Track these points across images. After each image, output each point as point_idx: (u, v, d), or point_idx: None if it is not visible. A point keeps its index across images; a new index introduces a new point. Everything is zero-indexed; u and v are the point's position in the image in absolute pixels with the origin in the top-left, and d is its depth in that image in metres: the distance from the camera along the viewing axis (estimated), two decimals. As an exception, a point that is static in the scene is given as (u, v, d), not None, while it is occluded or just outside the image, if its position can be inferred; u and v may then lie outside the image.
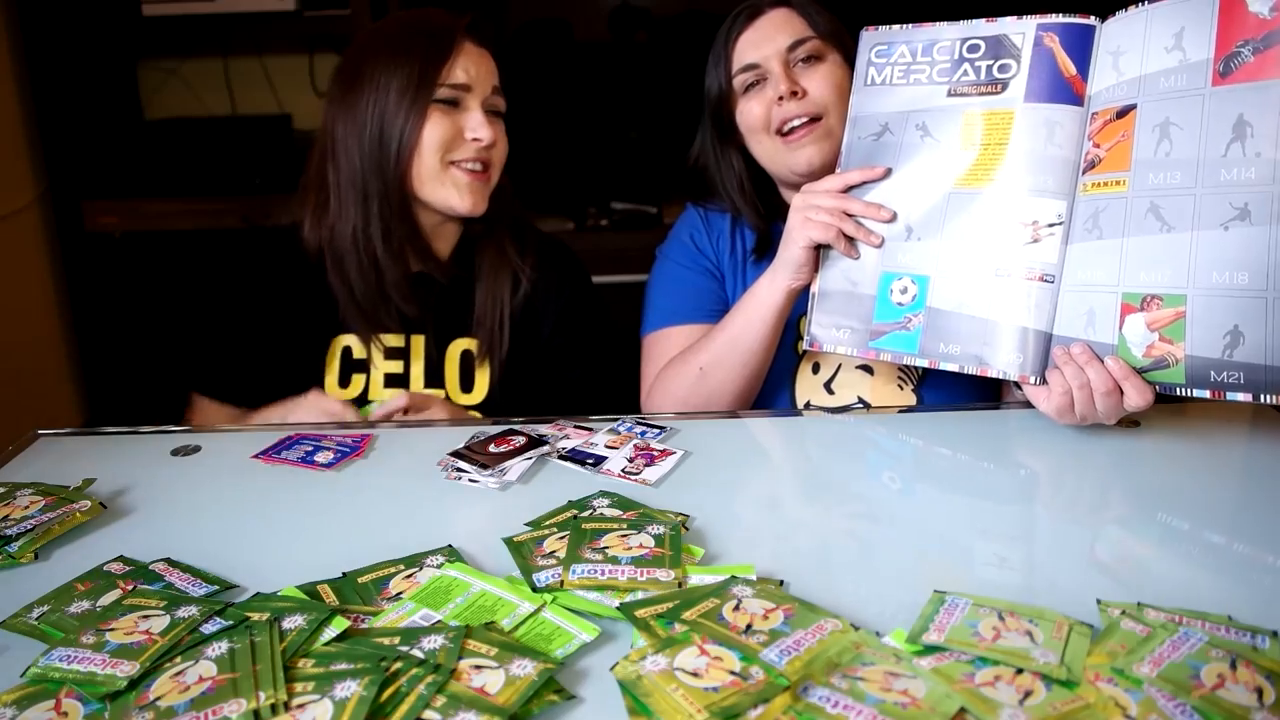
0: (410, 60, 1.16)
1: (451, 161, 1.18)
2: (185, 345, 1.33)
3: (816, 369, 1.24)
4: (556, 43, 2.35)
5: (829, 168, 1.21)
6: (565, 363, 1.30)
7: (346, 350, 1.24)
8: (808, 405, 1.26)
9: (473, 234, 1.29)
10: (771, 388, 1.24)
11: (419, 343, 1.24)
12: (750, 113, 1.23)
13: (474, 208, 1.21)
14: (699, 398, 1.21)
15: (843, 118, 1.18)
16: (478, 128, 1.17)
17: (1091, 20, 0.99)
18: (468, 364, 1.26)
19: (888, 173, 1.08)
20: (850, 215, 1.08)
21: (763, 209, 1.31)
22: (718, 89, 1.26)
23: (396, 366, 1.25)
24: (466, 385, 1.25)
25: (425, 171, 1.18)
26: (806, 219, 1.09)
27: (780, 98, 1.19)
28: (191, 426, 1.13)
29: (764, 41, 1.21)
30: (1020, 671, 0.63)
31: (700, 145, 1.34)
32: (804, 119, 1.20)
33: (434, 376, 1.25)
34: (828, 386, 1.26)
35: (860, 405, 1.24)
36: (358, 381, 1.25)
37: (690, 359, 1.22)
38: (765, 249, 1.29)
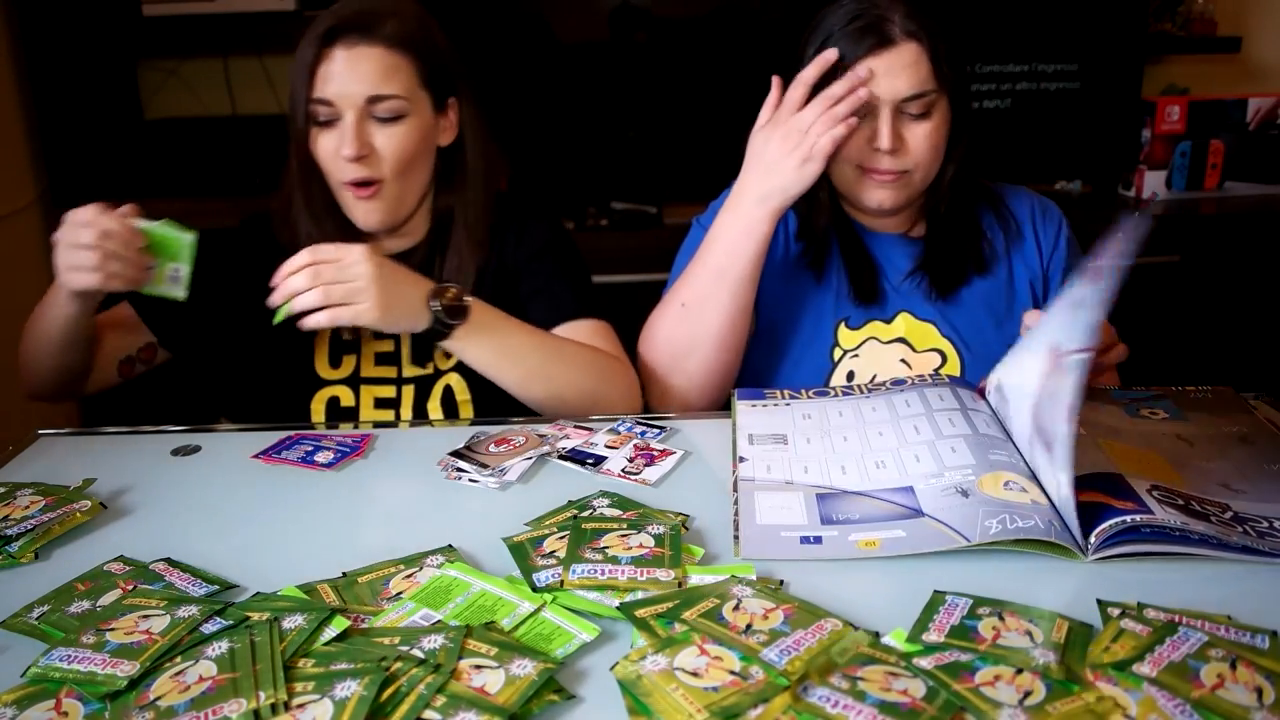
0: (295, 76, 1.13)
1: (342, 181, 1.15)
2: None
3: (851, 377, 1.24)
4: (543, 42, 2.35)
5: (898, 210, 1.22)
6: (539, 293, 1.25)
7: (335, 332, 1.23)
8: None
9: (443, 208, 1.25)
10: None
11: None
12: (847, 139, 1.15)
13: (370, 224, 1.18)
14: (683, 337, 1.19)
15: (929, 174, 1.19)
16: (344, 143, 1.11)
17: None
18: None
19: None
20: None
21: (820, 207, 1.26)
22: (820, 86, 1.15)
23: (387, 345, 1.23)
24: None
25: (333, 189, 1.17)
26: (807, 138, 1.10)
27: (878, 148, 1.15)
28: (190, 427, 1.13)
29: (882, 79, 1.12)
30: (1020, 671, 0.63)
31: None
32: (893, 173, 1.17)
33: (422, 351, 1.23)
34: None
35: None
36: (349, 361, 1.23)
37: (671, 297, 1.20)
38: (810, 244, 1.26)
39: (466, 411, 1.23)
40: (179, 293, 1.06)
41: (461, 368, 1.23)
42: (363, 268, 1.00)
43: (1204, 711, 0.59)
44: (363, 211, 1.17)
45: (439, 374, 1.23)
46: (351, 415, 1.22)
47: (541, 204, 1.33)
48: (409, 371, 1.23)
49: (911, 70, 1.13)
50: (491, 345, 1.09)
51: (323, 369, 1.23)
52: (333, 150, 1.13)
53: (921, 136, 1.16)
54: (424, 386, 1.23)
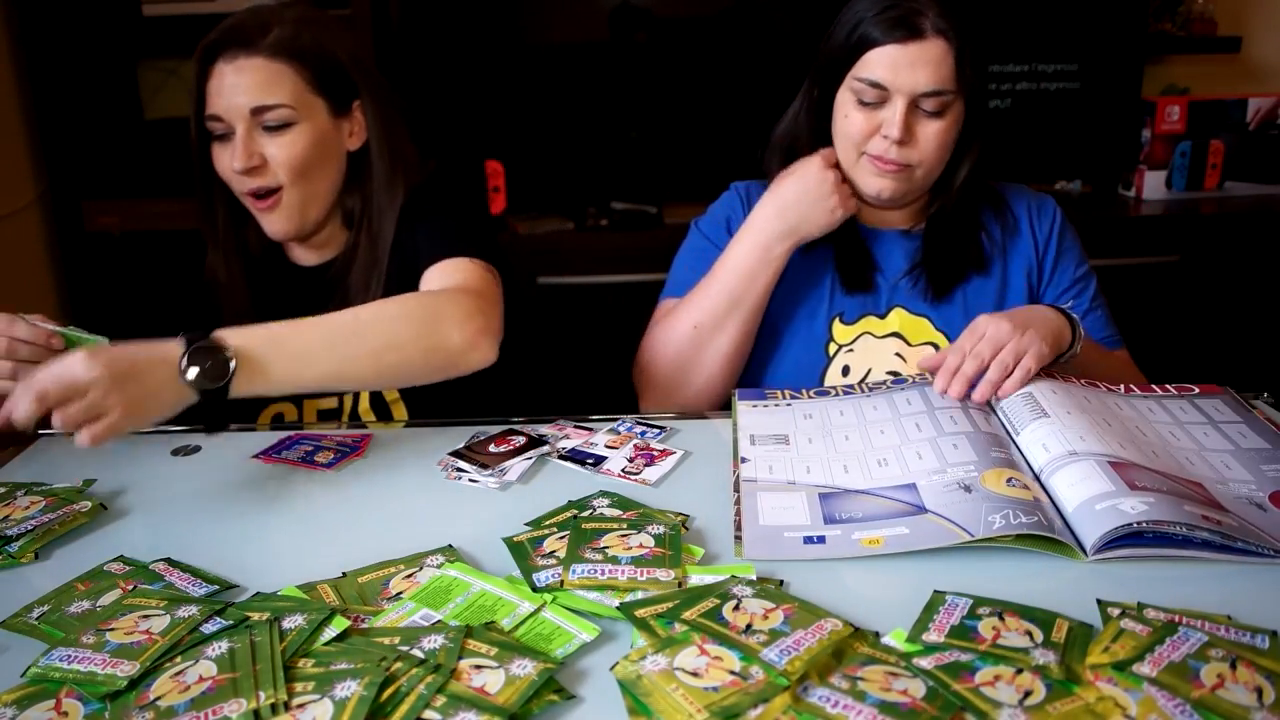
0: (190, 94, 1.14)
1: (242, 193, 1.15)
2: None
3: (846, 371, 1.24)
4: (512, 44, 2.35)
5: (895, 202, 1.22)
6: (422, 249, 1.19)
7: None
8: None
9: (350, 210, 1.23)
10: (799, 387, 1.24)
11: None
12: (854, 122, 1.17)
13: (282, 233, 1.18)
14: (692, 358, 1.21)
15: (932, 172, 1.19)
16: (234, 158, 1.12)
17: None
18: None
19: None
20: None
21: None
22: (840, 66, 1.18)
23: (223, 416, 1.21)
24: None
25: (241, 202, 1.18)
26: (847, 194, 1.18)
27: (886, 136, 1.15)
28: (190, 427, 1.13)
29: (905, 70, 1.13)
30: (1020, 671, 0.63)
31: (798, 110, 1.27)
32: (895, 164, 1.16)
33: None
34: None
35: None
36: None
37: (682, 317, 1.22)
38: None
39: (399, 411, 1.22)
40: None
41: None
42: (86, 377, 0.85)
43: (1204, 711, 0.59)
44: (268, 222, 1.17)
45: None
46: (295, 428, 1.20)
47: (438, 182, 1.27)
48: None
49: (935, 67, 1.13)
50: (280, 366, 0.95)
51: None
52: (228, 164, 1.13)
53: (932, 134, 1.16)
54: (354, 392, 1.22)
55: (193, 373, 0.90)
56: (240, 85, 1.11)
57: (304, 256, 1.25)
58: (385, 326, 1.02)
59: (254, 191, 1.14)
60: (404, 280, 1.19)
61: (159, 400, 0.90)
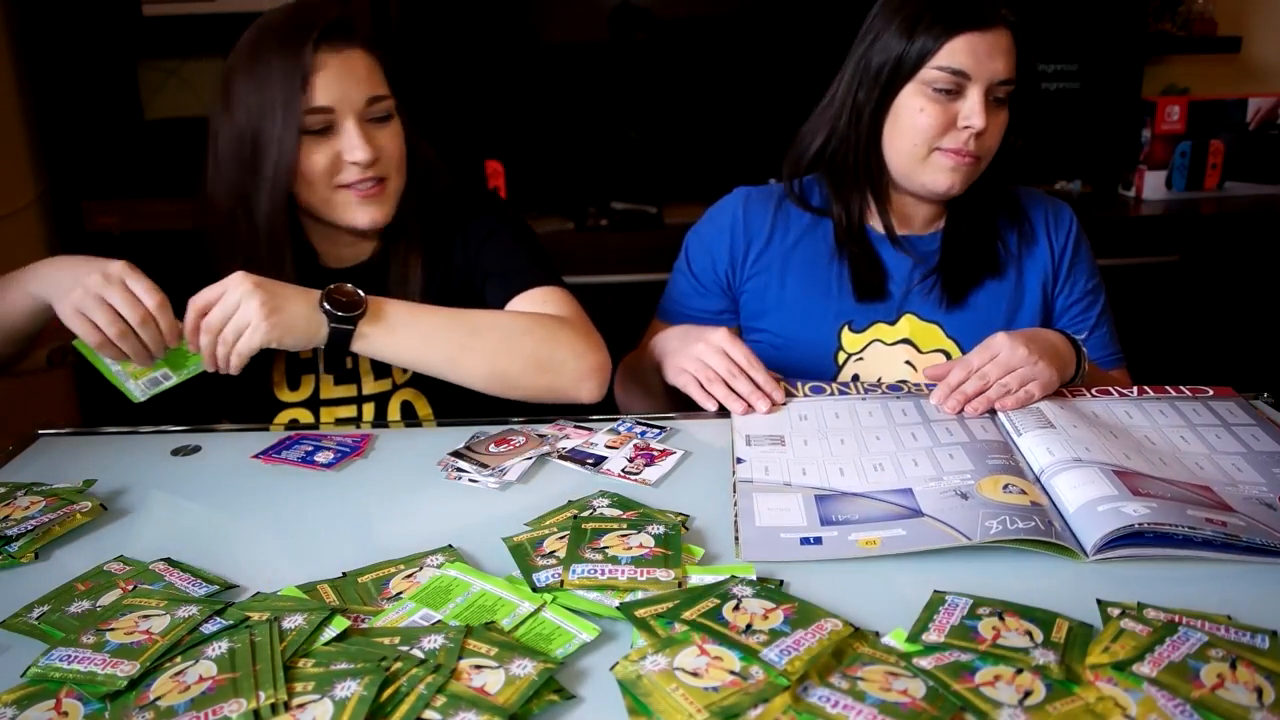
0: (269, 87, 1.06)
1: (341, 185, 1.10)
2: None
3: (856, 380, 1.24)
4: (528, 43, 2.35)
5: (951, 197, 1.19)
6: (491, 275, 1.20)
7: (292, 353, 1.20)
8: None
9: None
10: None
11: None
12: (930, 116, 1.13)
13: (375, 221, 1.13)
14: (631, 394, 1.34)
15: (986, 165, 1.18)
16: (354, 150, 1.08)
17: None
18: None
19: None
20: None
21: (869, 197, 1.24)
22: (909, 63, 1.14)
23: (344, 360, 1.21)
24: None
25: (317, 200, 1.11)
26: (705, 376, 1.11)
27: (967, 127, 1.12)
28: (190, 427, 1.13)
29: (985, 59, 1.11)
30: (1020, 671, 0.63)
31: (836, 120, 1.22)
32: (971, 155, 1.14)
33: (381, 365, 1.20)
34: None
35: None
36: (307, 382, 1.21)
37: (631, 367, 1.33)
38: (842, 235, 1.25)
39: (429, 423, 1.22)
40: (139, 395, 1.05)
41: (417, 381, 1.21)
42: (238, 292, 0.98)
43: (1204, 711, 0.59)
44: (367, 212, 1.12)
45: (395, 388, 1.22)
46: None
47: (484, 197, 1.27)
48: (369, 389, 1.21)
49: (1007, 56, 1.13)
50: (403, 332, 1.04)
51: (281, 392, 1.21)
52: (330, 158, 1.08)
53: (999, 125, 1.16)
54: (382, 403, 1.22)
55: (327, 304, 1.01)
56: (355, 76, 1.08)
57: (336, 259, 1.21)
58: (507, 333, 1.08)
59: (364, 184, 1.10)
60: (461, 293, 1.18)
61: (294, 320, 1.00)
